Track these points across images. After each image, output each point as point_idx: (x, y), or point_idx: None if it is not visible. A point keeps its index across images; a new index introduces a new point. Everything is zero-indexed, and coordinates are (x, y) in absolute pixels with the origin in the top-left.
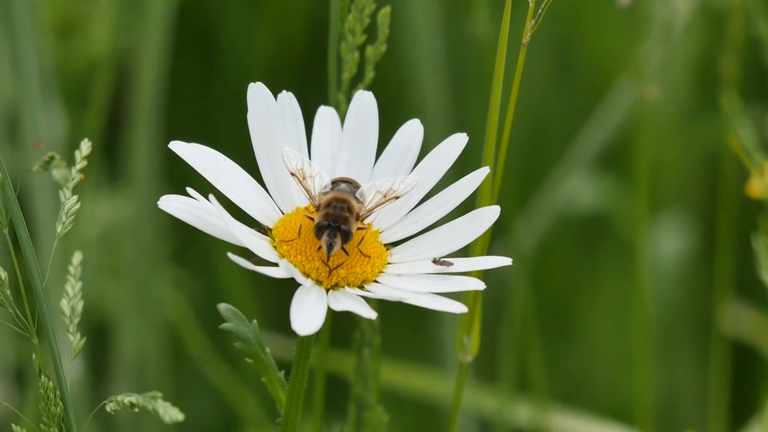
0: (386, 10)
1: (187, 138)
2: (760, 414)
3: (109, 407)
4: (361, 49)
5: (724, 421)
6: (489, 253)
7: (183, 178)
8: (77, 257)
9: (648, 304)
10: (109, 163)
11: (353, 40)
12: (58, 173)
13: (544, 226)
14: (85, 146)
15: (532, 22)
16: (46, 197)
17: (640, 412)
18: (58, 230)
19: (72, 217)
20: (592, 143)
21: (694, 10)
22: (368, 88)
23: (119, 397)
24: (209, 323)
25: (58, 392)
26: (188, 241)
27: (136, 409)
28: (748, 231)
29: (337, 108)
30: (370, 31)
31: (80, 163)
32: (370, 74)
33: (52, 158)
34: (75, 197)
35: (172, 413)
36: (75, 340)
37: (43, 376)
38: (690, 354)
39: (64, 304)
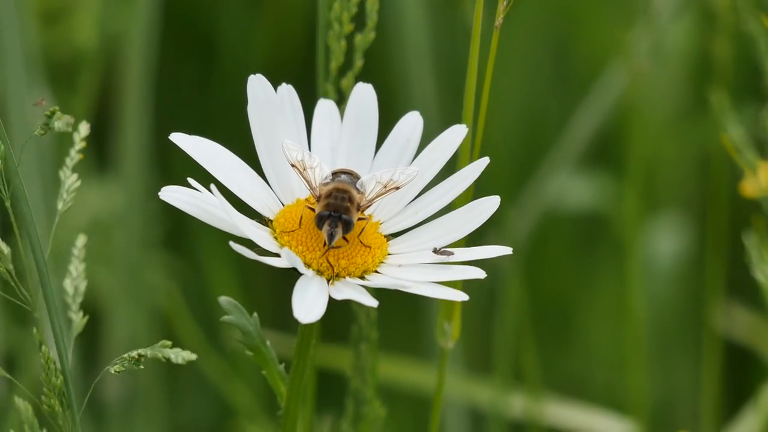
0: None
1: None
2: (755, 404)
3: (114, 369)
4: (351, 38)
5: (716, 420)
6: (482, 244)
7: (172, 166)
8: (81, 239)
9: (639, 304)
10: (100, 150)
11: (340, 28)
12: (60, 123)
13: (533, 220)
14: (84, 128)
15: (504, 3)
16: (36, 187)
17: (634, 412)
18: (59, 207)
19: (73, 194)
20: (583, 131)
21: (682, 5)
22: (357, 77)
23: (126, 354)
24: (199, 309)
25: (58, 365)
26: (178, 229)
27: (141, 366)
28: (744, 231)
29: (326, 98)
30: (360, 20)
31: (78, 144)
32: (358, 62)
33: (53, 112)
34: (75, 175)
35: (183, 355)
36: (78, 317)
37: (44, 347)
38: (687, 355)
39: (68, 283)
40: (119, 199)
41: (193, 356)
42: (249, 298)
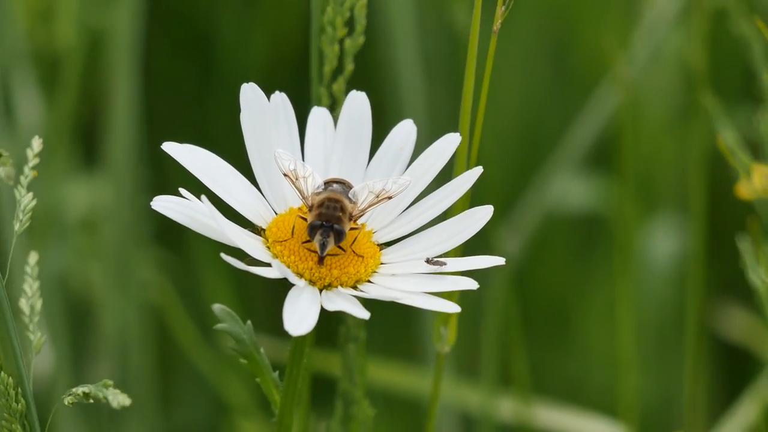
0: (362, 2)
1: (185, 139)
2: (750, 398)
3: (67, 401)
4: (344, 43)
5: (708, 420)
6: (477, 251)
7: (169, 164)
8: (33, 257)
9: (635, 305)
10: (91, 146)
11: (333, 32)
12: (2, 171)
13: (533, 224)
14: (36, 143)
15: (502, 8)
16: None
17: (627, 413)
18: (16, 228)
19: (29, 214)
20: (582, 137)
21: (680, 7)
22: (349, 81)
23: (74, 389)
24: (193, 305)
25: (20, 389)
26: (172, 226)
27: (91, 400)
28: (739, 232)
29: (319, 102)
30: (353, 24)
31: (32, 161)
32: (349, 66)
33: None
34: (30, 194)
35: (119, 399)
36: (35, 338)
37: (2, 373)
38: (684, 355)
39: (23, 303)
40: (107, 194)
41: (128, 401)
42: (243, 298)
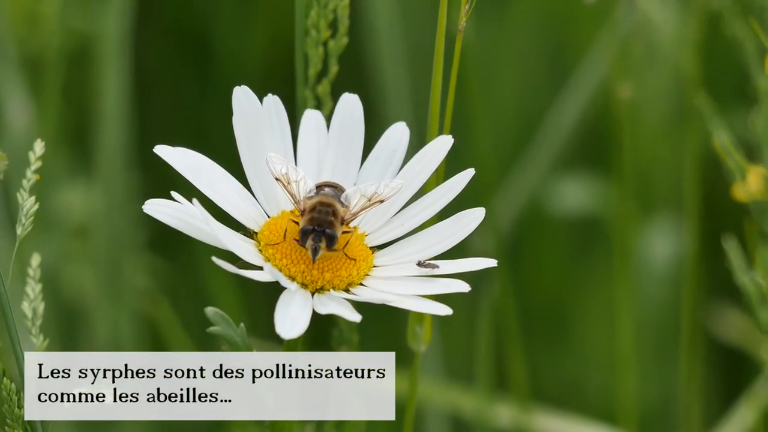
0: (344, 2)
1: (182, 142)
2: (747, 402)
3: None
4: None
5: (703, 422)
6: (469, 246)
7: (167, 169)
8: (36, 259)
9: (631, 307)
10: (87, 151)
11: (317, 35)
12: None
13: (514, 221)
14: (39, 146)
15: (466, 7)
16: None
17: (625, 416)
18: (18, 232)
19: (31, 219)
20: (563, 124)
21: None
22: (336, 83)
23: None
24: (196, 312)
25: (22, 394)
26: (175, 231)
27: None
28: (733, 234)
29: (304, 105)
30: (337, 26)
31: (35, 164)
32: (333, 68)
33: None
34: (32, 198)
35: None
36: (38, 342)
37: (5, 379)
38: (682, 357)
39: (26, 306)
40: (99, 200)
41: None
42: (247, 302)
